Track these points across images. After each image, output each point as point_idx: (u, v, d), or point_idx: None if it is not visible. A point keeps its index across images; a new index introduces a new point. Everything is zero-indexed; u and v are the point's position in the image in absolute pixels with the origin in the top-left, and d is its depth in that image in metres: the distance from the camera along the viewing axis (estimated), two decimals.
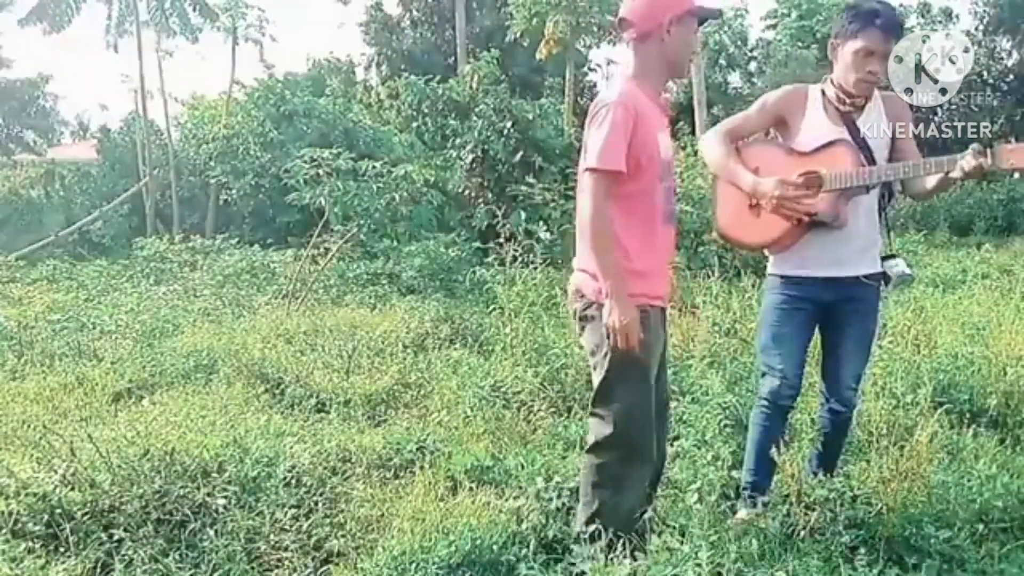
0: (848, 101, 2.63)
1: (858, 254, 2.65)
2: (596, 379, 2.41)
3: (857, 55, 2.56)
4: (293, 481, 2.99)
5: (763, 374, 2.76)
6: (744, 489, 2.75)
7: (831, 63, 2.70)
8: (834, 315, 2.71)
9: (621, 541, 2.28)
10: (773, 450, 2.67)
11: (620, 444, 2.36)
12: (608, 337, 2.32)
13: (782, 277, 2.74)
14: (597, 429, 2.40)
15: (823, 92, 2.69)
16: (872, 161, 2.60)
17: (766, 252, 2.80)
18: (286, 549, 2.58)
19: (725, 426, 3.08)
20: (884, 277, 2.69)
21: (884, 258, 2.71)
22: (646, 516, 2.40)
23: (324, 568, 2.55)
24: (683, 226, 8.15)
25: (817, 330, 2.79)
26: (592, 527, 2.35)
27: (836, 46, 2.65)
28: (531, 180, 9.64)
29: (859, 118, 2.65)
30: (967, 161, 2.34)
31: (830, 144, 2.60)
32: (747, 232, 2.78)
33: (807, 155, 2.63)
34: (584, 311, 2.42)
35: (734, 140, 2.78)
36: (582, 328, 2.46)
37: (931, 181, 2.57)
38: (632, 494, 2.40)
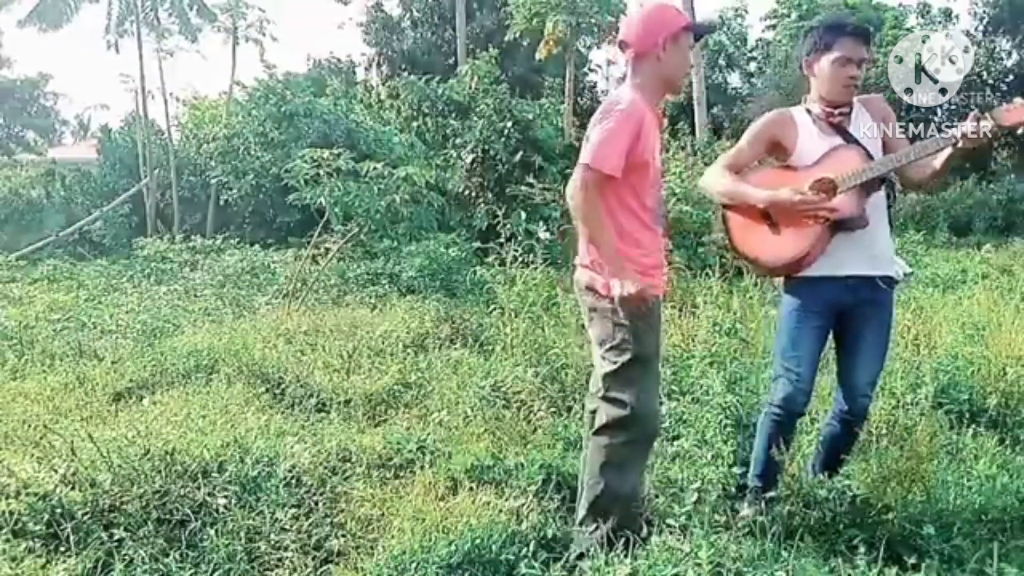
0: (836, 112, 2.67)
1: (880, 254, 2.67)
2: (606, 367, 2.47)
3: (835, 64, 2.63)
4: (293, 481, 2.99)
5: (776, 377, 2.74)
6: (751, 491, 2.76)
7: (807, 85, 2.76)
8: (851, 319, 2.70)
9: (622, 538, 2.32)
10: (773, 450, 2.67)
11: (633, 426, 2.44)
12: (618, 328, 2.42)
13: (801, 280, 2.71)
14: (610, 411, 2.46)
15: (808, 111, 2.73)
16: (871, 159, 2.62)
17: (794, 273, 2.72)
18: (286, 549, 2.58)
19: (725, 426, 3.09)
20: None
21: None
22: (642, 506, 2.48)
23: (324, 568, 2.55)
24: (683, 226, 8.15)
25: (832, 339, 2.79)
26: (594, 524, 2.41)
27: (811, 63, 2.71)
28: (531, 180, 9.64)
29: (850, 124, 2.69)
30: (964, 127, 2.39)
31: (835, 150, 2.63)
32: (772, 251, 2.72)
33: (812, 167, 2.65)
34: (594, 304, 2.51)
35: (734, 172, 2.79)
36: (590, 321, 2.55)
37: (937, 161, 2.58)
38: (634, 476, 2.50)
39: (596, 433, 2.52)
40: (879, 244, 2.67)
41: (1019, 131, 2.41)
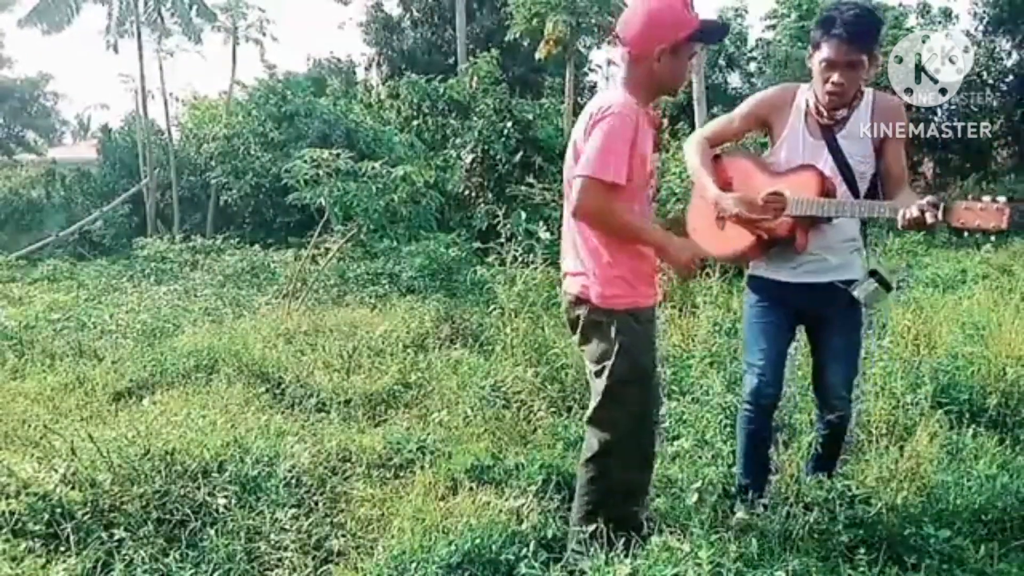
0: (826, 115, 2.54)
1: (829, 264, 2.60)
2: (600, 386, 2.36)
3: (820, 66, 2.49)
4: (293, 481, 2.99)
5: (744, 372, 2.78)
6: (739, 491, 2.75)
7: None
8: (815, 323, 2.70)
9: (622, 539, 2.30)
10: (772, 450, 2.68)
11: (627, 450, 2.35)
12: (612, 344, 2.31)
13: (757, 278, 2.75)
14: (600, 435, 2.38)
15: (807, 100, 2.59)
16: (850, 177, 2.54)
17: (739, 264, 2.78)
18: (286, 549, 2.58)
19: (725, 426, 3.09)
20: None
21: (870, 272, 2.61)
22: (643, 517, 2.42)
23: (324, 568, 2.55)
24: (683, 226, 8.14)
25: (807, 339, 2.79)
26: (590, 527, 2.36)
27: (810, 56, 2.57)
28: (531, 180, 9.65)
29: (842, 130, 2.55)
30: (910, 211, 2.25)
31: (803, 167, 2.54)
32: (712, 243, 2.72)
33: (779, 175, 2.59)
34: (589, 317, 2.37)
35: (716, 144, 2.76)
36: (584, 335, 2.41)
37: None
38: (637, 499, 2.41)
39: (586, 463, 2.41)
40: (827, 256, 2.59)
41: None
